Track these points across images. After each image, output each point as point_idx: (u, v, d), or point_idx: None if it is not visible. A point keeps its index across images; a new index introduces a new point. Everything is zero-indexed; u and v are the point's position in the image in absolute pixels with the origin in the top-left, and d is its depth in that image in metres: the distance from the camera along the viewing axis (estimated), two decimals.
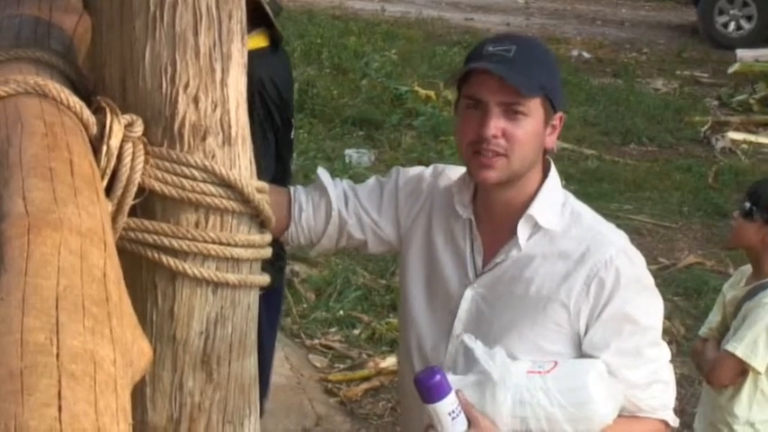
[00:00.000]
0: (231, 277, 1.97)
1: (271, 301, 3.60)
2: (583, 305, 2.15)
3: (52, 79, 1.81)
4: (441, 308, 2.30)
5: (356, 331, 5.45)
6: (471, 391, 2.10)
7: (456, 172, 2.35)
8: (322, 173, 2.42)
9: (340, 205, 2.37)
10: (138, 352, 1.41)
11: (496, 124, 2.11)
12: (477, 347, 2.13)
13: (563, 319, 2.17)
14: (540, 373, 2.10)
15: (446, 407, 2.07)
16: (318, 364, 5.17)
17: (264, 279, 2.08)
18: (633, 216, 7.00)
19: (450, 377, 2.11)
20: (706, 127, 9.22)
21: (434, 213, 2.33)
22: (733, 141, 8.92)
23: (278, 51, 3.44)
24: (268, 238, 2.06)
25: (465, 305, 2.25)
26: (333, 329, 5.46)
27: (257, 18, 3.37)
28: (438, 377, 2.06)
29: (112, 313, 1.30)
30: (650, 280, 2.23)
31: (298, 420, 4.54)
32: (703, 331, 3.66)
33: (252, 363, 2.09)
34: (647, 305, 2.21)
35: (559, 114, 2.22)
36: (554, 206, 2.21)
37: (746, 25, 12.55)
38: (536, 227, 2.20)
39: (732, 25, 12.63)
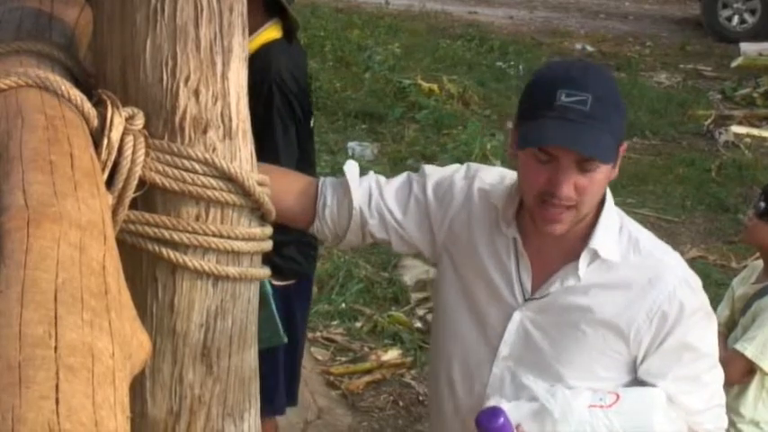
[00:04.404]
0: (232, 270, 1.97)
1: (303, 290, 3.59)
2: (644, 336, 2.12)
3: (53, 72, 1.81)
4: (486, 326, 2.23)
5: (358, 324, 5.45)
6: (531, 423, 2.08)
7: (490, 174, 2.26)
8: (349, 166, 2.33)
9: (362, 203, 2.29)
10: (136, 345, 1.42)
11: (569, 181, 2.02)
12: (538, 387, 2.11)
13: (622, 347, 2.13)
14: (602, 407, 2.07)
15: None
16: (320, 357, 5.17)
17: (265, 272, 2.08)
18: (636, 210, 6.99)
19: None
20: (709, 121, 9.22)
21: (474, 223, 2.24)
22: (736, 135, 8.90)
23: (293, 41, 3.45)
24: (268, 230, 2.06)
25: (513, 327, 2.19)
26: (335, 322, 5.47)
27: (271, 8, 3.37)
28: (501, 420, 2.03)
29: (111, 306, 1.31)
30: (708, 304, 2.21)
31: (299, 413, 4.54)
32: None
33: (252, 356, 2.09)
34: (706, 332, 2.19)
35: (624, 145, 2.12)
36: (612, 234, 2.14)
37: (750, 19, 12.53)
38: (595, 255, 2.13)
39: (736, 19, 12.62)
